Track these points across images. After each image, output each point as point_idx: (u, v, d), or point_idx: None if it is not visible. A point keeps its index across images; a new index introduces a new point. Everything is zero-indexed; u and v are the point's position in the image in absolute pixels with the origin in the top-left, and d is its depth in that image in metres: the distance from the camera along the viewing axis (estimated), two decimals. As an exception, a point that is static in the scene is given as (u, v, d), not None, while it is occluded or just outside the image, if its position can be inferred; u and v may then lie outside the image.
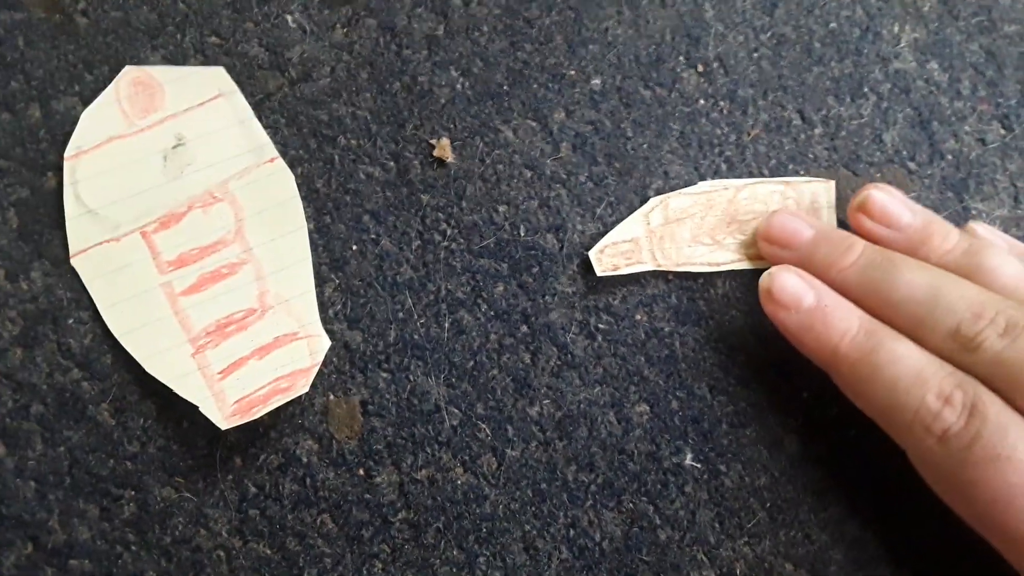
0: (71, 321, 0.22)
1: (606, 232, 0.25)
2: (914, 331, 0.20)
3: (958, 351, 0.19)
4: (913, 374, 0.19)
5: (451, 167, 0.25)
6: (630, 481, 0.23)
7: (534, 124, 0.25)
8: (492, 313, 0.24)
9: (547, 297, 0.24)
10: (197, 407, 0.21)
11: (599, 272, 0.23)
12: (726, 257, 0.24)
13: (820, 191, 0.25)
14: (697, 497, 0.23)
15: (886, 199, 0.23)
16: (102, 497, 0.21)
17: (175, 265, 0.23)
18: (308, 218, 0.24)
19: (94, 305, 0.22)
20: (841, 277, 0.22)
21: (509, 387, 0.23)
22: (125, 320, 0.23)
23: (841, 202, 0.26)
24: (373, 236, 0.24)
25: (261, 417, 0.22)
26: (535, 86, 0.25)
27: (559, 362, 0.24)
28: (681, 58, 0.26)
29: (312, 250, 0.23)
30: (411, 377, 0.23)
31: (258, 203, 0.24)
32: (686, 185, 0.25)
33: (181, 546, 0.21)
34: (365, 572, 0.22)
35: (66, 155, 0.23)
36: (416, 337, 0.23)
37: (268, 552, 0.22)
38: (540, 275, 0.24)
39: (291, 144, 0.24)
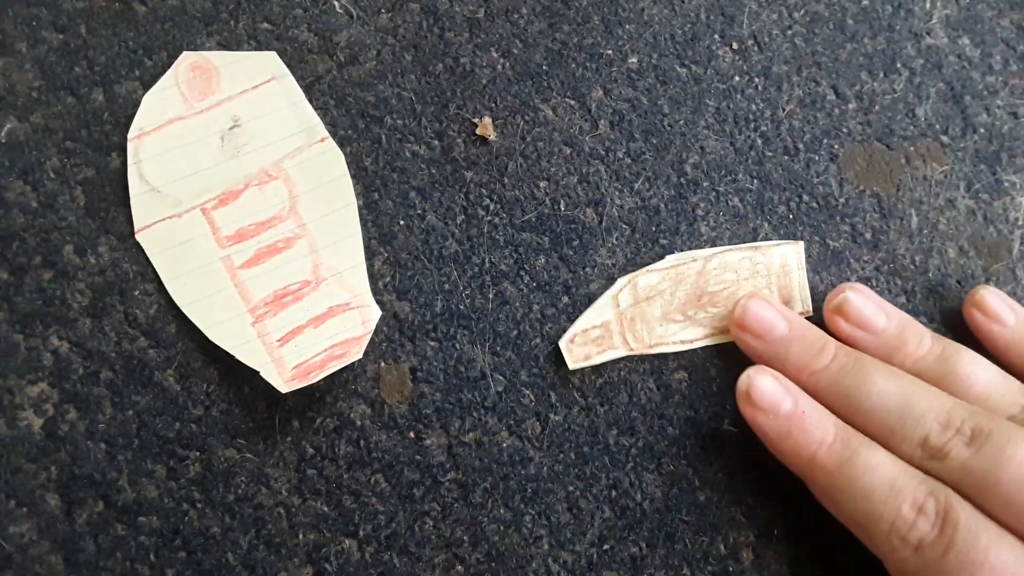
0: (137, 293, 0.25)
1: (644, 208, 0.26)
2: (886, 440, 0.21)
3: (928, 459, 0.20)
4: (888, 484, 0.20)
5: (493, 145, 0.27)
6: (670, 445, 0.25)
7: (573, 102, 0.27)
8: (534, 284, 0.26)
9: (587, 269, 0.26)
10: (257, 373, 0.23)
11: (571, 366, 0.24)
12: (698, 333, 0.25)
13: (790, 254, 0.25)
14: (735, 461, 0.25)
15: (862, 302, 0.24)
16: (169, 458, 0.23)
17: (234, 240, 0.25)
18: (357, 195, 0.26)
19: (158, 277, 0.25)
20: (813, 380, 0.23)
21: (551, 355, 0.25)
22: (188, 291, 0.25)
23: (873, 173, 0.27)
24: (419, 212, 0.26)
25: (317, 383, 0.24)
26: (573, 66, 0.27)
27: (600, 331, 0.25)
28: (716, 36, 0.28)
29: (361, 225, 0.26)
30: (457, 345, 0.25)
31: (310, 181, 0.26)
32: (722, 160, 0.27)
33: (244, 503, 0.23)
34: (417, 529, 0.24)
35: (129, 136, 0.26)
36: (462, 307, 0.25)
37: (325, 509, 0.24)
38: (580, 248, 0.26)
39: (340, 124, 0.26)
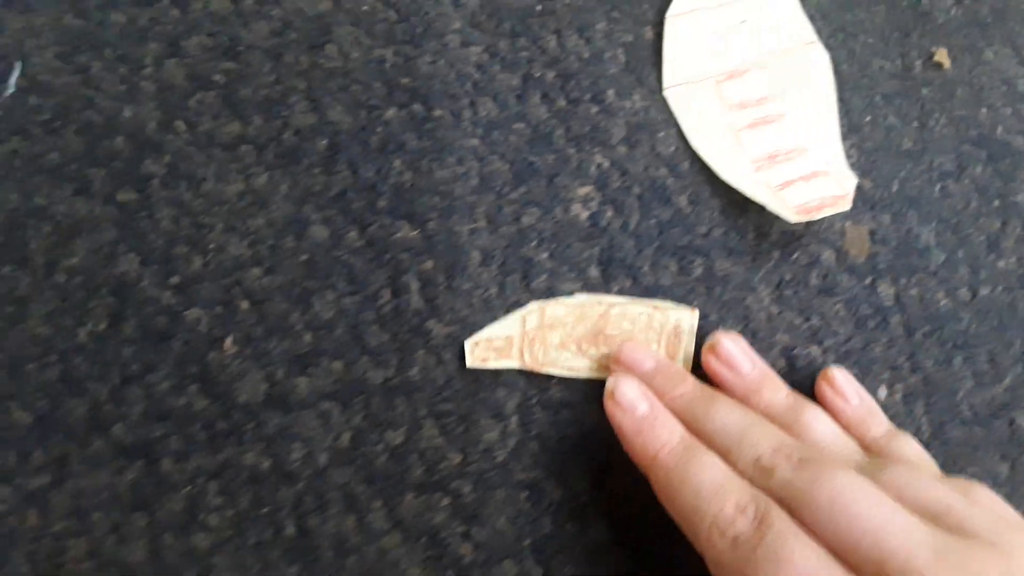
0: (661, 134, 0.39)
1: (1069, 141, 0.39)
2: (724, 456, 0.27)
3: (758, 476, 0.26)
4: (717, 485, 0.26)
5: (946, 72, 0.40)
6: (1076, 330, 0.37)
7: (1010, 51, 0.41)
8: (972, 186, 0.39)
9: (1016, 183, 0.39)
10: (748, 211, 0.37)
11: (469, 364, 0.32)
12: (584, 365, 0.33)
13: (684, 318, 0.33)
14: None
15: (732, 347, 0.32)
16: (680, 259, 0.38)
17: (736, 108, 0.40)
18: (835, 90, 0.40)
19: (679, 126, 0.39)
20: (670, 405, 0.29)
21: (983, 243, 0.38)
22: (702, 140, 0.39)
23: None
24: (883, 113, 0.40)
25: (793, 227, 0.37)
26: (1012, 24, 0.41)
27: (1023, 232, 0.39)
28: None
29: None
30: (907, 221, 0.39)
31: (800, 73, 0.40)
32: None
33: (735, 304, 0.37)
34: (866, 351, 0.37)
35: (668, 15, 0.40)
36: (913, 193, 0.39)
37: (797, 321, 0.37)
38: (1011, 166, 0.39)
39: (823, 34, 0.41)
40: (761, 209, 0.35)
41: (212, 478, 0.31)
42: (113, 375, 0.32)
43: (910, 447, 0.30)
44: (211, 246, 0.33)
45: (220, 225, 0.34)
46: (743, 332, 0.34)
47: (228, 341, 0.32)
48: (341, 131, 0.35)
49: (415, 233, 0.34)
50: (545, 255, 0.34)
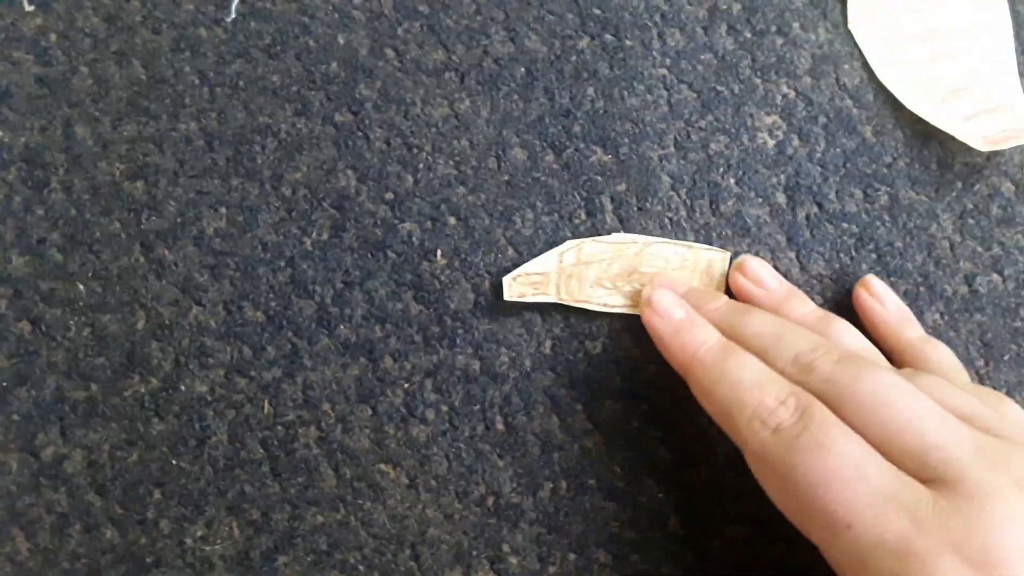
0: (846, 66, 0.40)
1: None
2: (762, 357, 0.28)
3: (796, 373, 0.27)
4: (756, 379, 0.27)
5: None
6: None
7: None
8: None
9: None
10: (930, 140, 0.39)
11: (506, 297, 0.33)
12: (620, 302, 0.34)
13: (716, 260, 0.35)
14: None
15: (758, 266, 0.33)
16: (866, 187, 0.39)
17: (919, 41, 0.41)
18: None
19: (864, 58, 0.41)
20: (706, 317, 0.30)
21: None
22: (888, 72, 0.41)
23: None
24: (1066, 49, 0.41)
25: (975, 160, 0.39)
26: None
27: None
28: None
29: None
30: (1090, 156, 0.40)
31: (979, 10, 0.41)
32: None
33: (919, 232, 0.39)
34: None
35: (851, -49, 0.42)
36: (1096, 128, 0.40)
37: (979, 249, 0.39)
38: None
39: (1006, -29, 0.41)
40: (943, 141, 0.36)
41: (428, 376, 0.34)
42: (336, 280, 0.35)
43: (944, 353, 0.31)
44: (420, 165, 0.36)
45: (428, 146, 0.36)
46: (926, 259, 0.36)
47: (439, 255, 0.35)
48: (537, 60, 0.38)
49: (608, 158, 0.37)
50: (732, 181, 0.37)
